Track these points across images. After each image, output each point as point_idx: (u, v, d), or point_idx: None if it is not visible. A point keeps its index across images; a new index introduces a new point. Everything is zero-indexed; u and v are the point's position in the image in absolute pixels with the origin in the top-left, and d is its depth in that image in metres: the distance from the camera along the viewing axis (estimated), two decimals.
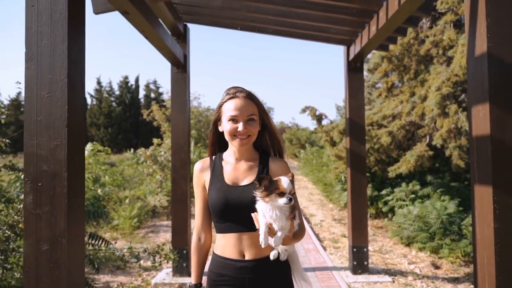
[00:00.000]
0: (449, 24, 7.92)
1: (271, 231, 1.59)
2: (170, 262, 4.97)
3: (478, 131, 2.09)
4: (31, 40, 2.05)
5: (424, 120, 7.56)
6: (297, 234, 1.71)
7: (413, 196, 8.31)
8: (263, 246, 1.58)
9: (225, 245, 1.76)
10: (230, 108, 1.75)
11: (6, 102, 47.02)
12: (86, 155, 7.92)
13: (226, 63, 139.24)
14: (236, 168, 1.81)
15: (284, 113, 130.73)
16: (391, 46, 8.15)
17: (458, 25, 8.13)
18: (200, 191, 1.86)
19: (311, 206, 11.39)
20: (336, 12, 4.20)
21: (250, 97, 1.79)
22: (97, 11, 3.74)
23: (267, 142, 1.89)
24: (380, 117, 8.45)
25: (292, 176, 1.67)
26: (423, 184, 8.69)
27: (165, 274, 5.28)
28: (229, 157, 1.86)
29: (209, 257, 1.90)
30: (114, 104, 40.77)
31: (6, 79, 68.38)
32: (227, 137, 1.79)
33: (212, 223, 1.85)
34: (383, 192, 8.97)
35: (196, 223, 1.87)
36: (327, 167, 12.05)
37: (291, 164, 29.95)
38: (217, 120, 1.85)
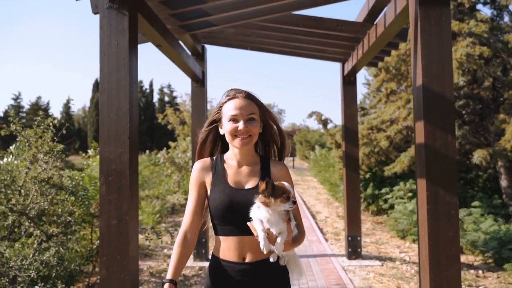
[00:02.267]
0: None
1: (270, 237, 1.62)
2: None
3: (418, 140, 2.92)
4: (104, 79, 2.95)
5: None
6: (297, 238, 1.75)
7: (410, 194, 9.06)
8: (265, 252, 1.62)
9: (225, 247, 1.75)
10: (230, 108, 1.76)
11: (26, 107, 48.83)
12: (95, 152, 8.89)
13: (241, 66, 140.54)
14: (238, 171, 1.81)
15: (296, 115, 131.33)
16: (387, 58, 8.93)
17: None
18: (196, 189, 1.84)
19: (317, 204, 12.20)
20: (330, 38, 5.06)
21: (249, 97, 1.80)
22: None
23: (270, 142, 1.92)
24: (379, 122, 9.24)
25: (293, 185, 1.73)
26: None
27: None
28: (230, 160, 1.86)
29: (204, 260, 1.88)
30: None
31: (7, 74, 70.51)
32: (228, 137, 1.78)
33: (203, 224, 1.91)
34: (383, 190, 9.74)
35: (184, 221, 1.81)
36: (333, 168, 12.83)
37: (301, 165, 30.71)
38: (215, 121, 1.86)
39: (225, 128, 1.77)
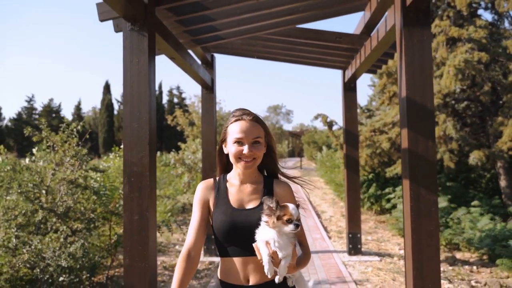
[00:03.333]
0: (441, 43, 8.97)
1: (274, 260, 1.57)
2: None
3: (403, 145, 3.30)
4: (127, 92, 3.37)
5: None
6: (302, 260, 1.73)
7: None
8: (269, 276, 1.58)
9: (229, 269, 1.74)
10: (235, 131, 1.76)
11: (39, 109, 49.81)
12: (115, 156, 9.36)
13: (250, 66, 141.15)
14: (240, 190, 1.81)
15: (304, 115, 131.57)
16: (390, 62, 9.28)
17: (449, 44, 9.16)
18: (199, 208, 1.82)
19: (323, 204, 12.56)
20: (330, 49, 5.45)
21: (256, 120, 1.80)
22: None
23: (271, 163, 1.91)
24: (382, 124, 9.57)
25: (298, 205, 1.69)
26: None
27: None
28: (233, 179, 1.85)
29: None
30: None
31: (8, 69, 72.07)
32: (232, 159, 1.78)
33: (205, 244, 2.13)
34: (386, 190, 10.08)
35: (188, 239, 1.78)
36: (338, 168, 13.19)
37: (309, 166, 31.03)
38: (223, 141, 1.85)
39: (230, 150, 1.78)
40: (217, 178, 1.91)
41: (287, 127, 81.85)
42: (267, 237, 1.59)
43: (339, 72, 6.57)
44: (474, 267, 6.05)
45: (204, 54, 6.23)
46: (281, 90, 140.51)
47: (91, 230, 4.69)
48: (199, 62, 6.18)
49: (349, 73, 6.17)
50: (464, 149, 9.28)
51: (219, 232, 1.74)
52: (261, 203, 1.69)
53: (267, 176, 1.91)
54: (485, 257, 6.53)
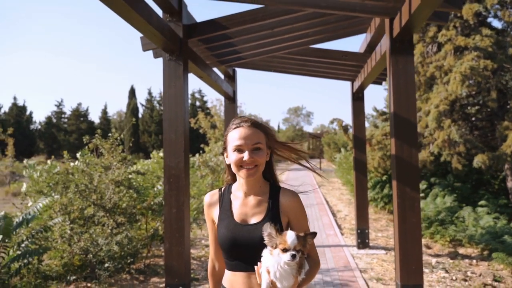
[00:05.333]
0: (449, 52, 9.50)
1: (273, 287, 1.53)
2: None
3: (392, 152, 3.99)
4: (166, 109, 4.18)
5: (427, 131, 9.23)
6: (308, 275, 1.65)
7: (423, 194, 9.95)
8: None
9: (233, 282, 1.73)
10: (235, 138, 1.71)
11: (68, 113, 51.89)
12: (153, 161, 10.25)
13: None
14: (244, 203, 1.76)
15: (324, 117, 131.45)
16: None
17: (458, 52, 9.67)
18: (209, 224, 1.86)
19: (339, 204, 13.20)
20: (338, 65, 6.16)
21: (255, 125, 1.75)
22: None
23: (269, 170, 1.84)
24: None
25: (306, 235, 1.58)
26: (433, 184, 10.32)
27: None
28: (237, 190, 1.81)
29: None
30: None
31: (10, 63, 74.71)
32: (233, 168, 1.74)
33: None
34: None
35: (210, 252, 1.91)
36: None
37: (328, 167, 31.51)
38: (225, 150, 1.81)
39: (230, 158, 1.73)
40: (223, 188, 1.88)
41: (308, 128, 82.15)
42: (268, 264, 1.53)
43: None
44: (474, 261, 6.62)
45: (226, 69, 7.03)
46: (302, 93, 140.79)
47: (132, 223, 5.54)
48: (222, 76, 6.98)
49: (356, 84, 6.86)
50: (471, 151, 9.78)
51: (222, 247, 1.74)
52: (265, 217, 1.68)
53: (274, 183, 1.83)
54: (485, 252, 7.07)
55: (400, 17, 3.65)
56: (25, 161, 8.44)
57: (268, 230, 1.55)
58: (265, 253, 1.57)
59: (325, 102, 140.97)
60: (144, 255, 6.46)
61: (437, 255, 6.92)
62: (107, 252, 4.86)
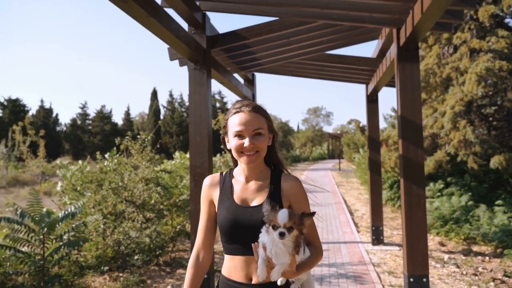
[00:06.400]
0: (464, 54, 9.64)
1: (269, 264, 1.53)
2: None
3: (400, 152, 4.30)
4: (191, 113, 4.60)
5: (442, 132, 9.40)
6: (309, 261, 1.64)
7: (439, 194, 10.12)
8: (260, 280, 1.55)
9: (232, 267, 1.70)
10: (235, 123, 1.68)
11: (92, 114, 53.42)
12: (176, 162, 10.75)
13: None
14: (245, 187, 1.74)
15: (344, 117, 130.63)
16: None
17: (474, 54, 9.80)
18: (206, 206, 1.82)
19: (357, 204, 13.44)
20: (352, 69, 6.47)
21: (256, 110, 1.71)
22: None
23: (272, 155, 1.82)
24: None
25: (302, 215, 1.56)
26: (450, 184, 10.47)
27: None
28: (239, 175, 1.79)
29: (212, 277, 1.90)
30: (185, 114, 44.81)
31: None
32: (234, 153, 1.72)
33: (214, 242, 1.84)
34: None
35: (197, 240, 1.82)
36: None
37: (348, 167, 31.58)
38: (225, 135, 1.78)
39: (231, 144, 1.71)
40: (223, 173, 1.85)
41: (328, 129, 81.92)
42: (264, 240, 1.54)
43: None
44: (487, 258, 6.81)
45: (246, 74, 7.43)
46: (322, 93, 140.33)
47: (160, 219, 6.00)
48: (242, 81, 7.39)
49: (370, 87, 7.15)
50: (488, 151, 9.89)
51: (222, 230, 1.72)
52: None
53: (276, 169, 1.81)
54: (499, 250, 7.25)
55: (406, 28, 3.97)
56: (58, 161, 9.10)
57: (265, 206, 1.56)
58: (263, 230, 1.57)
59: (344, 102, 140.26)
60: (170, 249, 6.91)
61: (450, 252, 7.14)
62: (138, 244, 5.32)
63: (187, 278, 1.77)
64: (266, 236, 1.53)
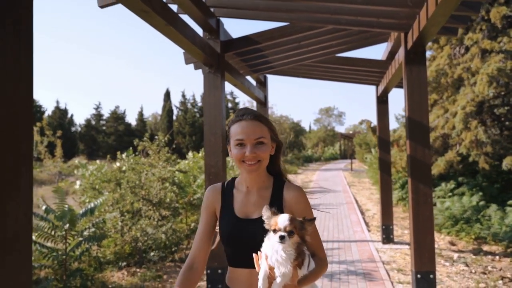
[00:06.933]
0: (476, 55, 9.67)
1: (271, 275, 1.45)
2: None
3: (407, 152, 4.44)
4: (206, 114, 4.80)
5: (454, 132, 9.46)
6: (313, 274, 1.55)
7: (450, 194, 10.17)
8: None
9: (235, 278, 1.68)
10: (236, 132, 1.66)
11: (106, 115, 54.25)
12: (189, 162, 10.99)
13: None
14: (247, 197, 1.71)
15: (356, 117, 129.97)
16: (427, 72, 10.16)
17: (486, 54, 9.82)
18: (205, 216, 1.77)
19: (368, 203, 13.52)
20: (361, 71, 6.61)
21: (258, 118, 1.68)
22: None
23: (275, 164, 1.78)
24: None
25: (304, 220, 1.50)
26: (461, 184, 10.50)
27: None
28: (240, 184, 1.75)
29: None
30: (197, 114, 45.21)
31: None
32: (236, 162, 1.69)
33: (211, 253, 1.83)
34: None
35: (192, 249, 1.76)
36: None
37: (360, 168, 31.54)
38: (228, 143, 1.74)
39: (233, 153, 1.68)
40: (226, 182, 1.82)
41: (340, 129, 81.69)
42: (266, 250, 1.48)
43: None
44: (497, 257, 6.88)
45: (258, 77, 7.62)
46: (334, 93, 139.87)
47: (176, 216, 6.22)
48: (254, 83, 7.58)
49: (380, 88, 7.27)
50: (500, 152, 9.91)
51: (224, 242, 1.70)
52: None
53: (278, 178, 1.76)
54: (509, 249, 7.30)
55: (412, 32, 4.11)
56: (76, 161, 9.40)
57: (265, 212, 1.51)
58: (265, 238, 1.51)
59: (357, 102, 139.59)
60: (185, 246, 7.14)
61: (460, 251, 7.22)
62: (154, 241, 5.55)
63: (177, 284, 1.68)
64: (268, 243, 1.49)
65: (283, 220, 1.44)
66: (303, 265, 1.48)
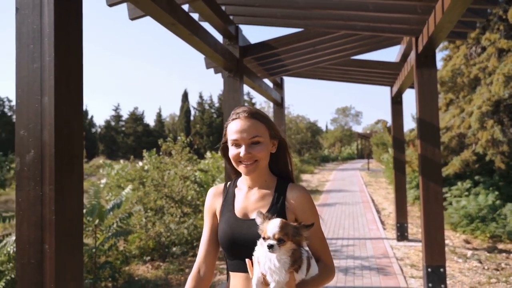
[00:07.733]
0: (492, 54, 9.70)
1: (265, 282, 1.37)
2: None
3: (419, 151, 4.63)
4: (227, 116, 5.08)
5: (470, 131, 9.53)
6: (316, 280, 1.47)
7: (467, 193, 10.23)
8: None
9: (235, 284, 1.58)
10: (232, 131, 1.57)
11: (125, 116, 55.31)
12: (208, 162, 11.32)
13: None
14: (247, 198, 1.62)
15: (374, 117, 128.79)
16: (442, 73, 10.24)
17: (503, 54, 9.84)
18: (209, 218, 1.69)
19: (384, 203, 13.63)
20: (376, 72, 6.80)
21: (254, 116, 1.58)
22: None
23: (279, 164, 1.69)
24: None
25: (299, 225, 1.39)
26: (478, 183, 10.55)
27: None
28: (241, 184, 1.68)
29: None
30: (214, 115, 45.72)
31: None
32: (233, 163, 1.61)
33: (218, 258, 1.76)
34: (443, 189, 10.97)
35: (199, 254, 1.68)
36: None
37: (377, 168, 31.44)
38: (226, 143, 1.65)
39: (230, 153, 1.60)
40: (228, 183, 1.75)
41: (357, 128, 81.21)
42: (259, 255, 1.40)
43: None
44: (511, 255, 6.98)
45: (275, 79, 7.88)
46: (351, 93, 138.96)
47: (196, 213, 6.54)
48: (271, 85, 7.84)
49: (395, 89, 7.44)
50: None
51: (222, 244, 1.61)
52: (268, 212, 1.52)
53: (282, 179, 1.67)
54: None
55: (423, 37, 4.31)
56: (101, 160, 9.83)
57: (257, 217, 1.42)
58: (258, 243, 1.42)
59: (373, 102, 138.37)
60: None
61: (475, 249, 7.33)
62: (177, 236, 5.87)
63: None
64: (261, 250, 1.39)
65: (271, 227, 1.34)
66: (301, 269, 1.40)
